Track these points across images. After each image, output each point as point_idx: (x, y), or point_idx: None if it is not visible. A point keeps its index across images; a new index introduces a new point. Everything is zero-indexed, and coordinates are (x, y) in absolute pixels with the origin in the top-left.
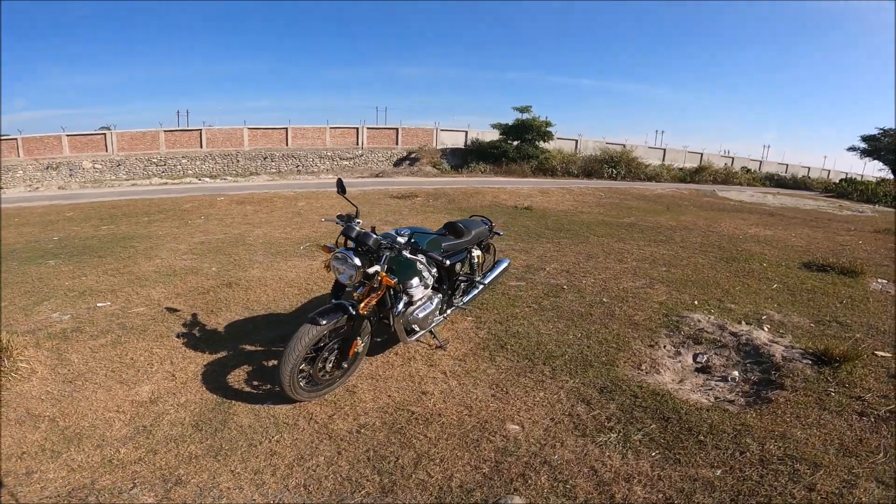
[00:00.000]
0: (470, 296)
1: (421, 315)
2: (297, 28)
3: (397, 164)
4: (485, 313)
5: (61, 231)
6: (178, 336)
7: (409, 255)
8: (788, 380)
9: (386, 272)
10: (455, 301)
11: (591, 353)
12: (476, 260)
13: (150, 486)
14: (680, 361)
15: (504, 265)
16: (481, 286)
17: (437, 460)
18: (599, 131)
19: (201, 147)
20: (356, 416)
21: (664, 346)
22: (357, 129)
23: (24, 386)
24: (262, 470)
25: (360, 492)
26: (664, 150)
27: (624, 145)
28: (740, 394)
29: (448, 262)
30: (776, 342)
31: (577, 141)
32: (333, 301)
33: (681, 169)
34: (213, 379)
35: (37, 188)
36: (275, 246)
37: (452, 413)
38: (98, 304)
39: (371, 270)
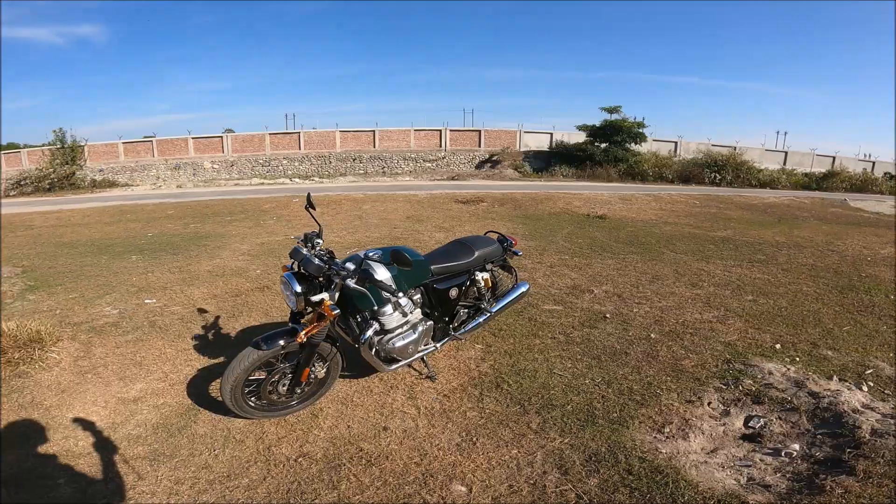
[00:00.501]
0: (471, 325)
1: (399, 344)
2: (389, 32)
3: (479, 166)
4: (498, 341)
5: (157, 228)
6: (192, 338)
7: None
8: (864, 463)
9: (351, 297)
10: (450, 330)
11: (602, 406)
12: (481, 284)
13: (76, 480)
14: (724, 425)
15: (521, 290)
16: (486, 315)
17: None
18: (705, 133)
19: (300, 149)
20: (303, 443)
21: (708, 404)
22: (440, 131)
23: (43, 375)
24: (184, 480)
25: None
26: (785, 153)
27: (735, 148)
28: (788, 475)
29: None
30: (871, 408)
31: (676, 143)
32: (290, 324)
33: (806, 174)
34: (199, 384)
35: (159, 186)
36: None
37: (402, 458)
38: (146, 301)
39: (316, 298)
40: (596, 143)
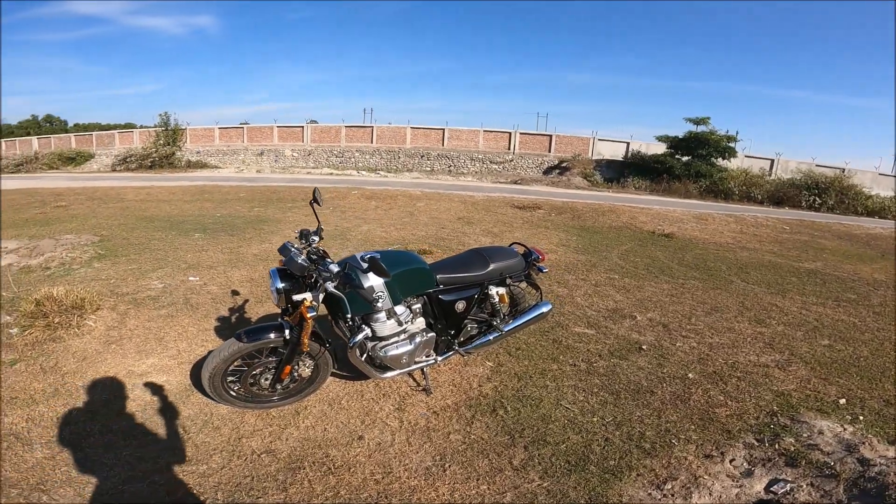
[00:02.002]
0: (479, 342)
1: (392, 353)
2: (471, 32)
3: (547, 171)
4: (512, 361)
5: (227, 209)
6: (216, 318)
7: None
8: None
9: (339, 303)
10: (454, 344)
11: (601, 450)
12: (496, 299)
13: (49, 446)
14: (741, 487)
15: (540, 311)
16: (497, 333)
17: None
18: (811, 152)
19: (371, 143)
20: (274, 440)
21: (730, 461)
22: (510, 133)
23: (74, 341)
24: (146, 459)
25: None
26: None
27: (843, 170)
28: None
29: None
30: None
31: (772, 161)
32: (279, 320)
33: None
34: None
35: (241, 170)
36: (368, 243)
37: (364, 472)
38: (190, 278)
39: (297, 297)
40: (676, 156)
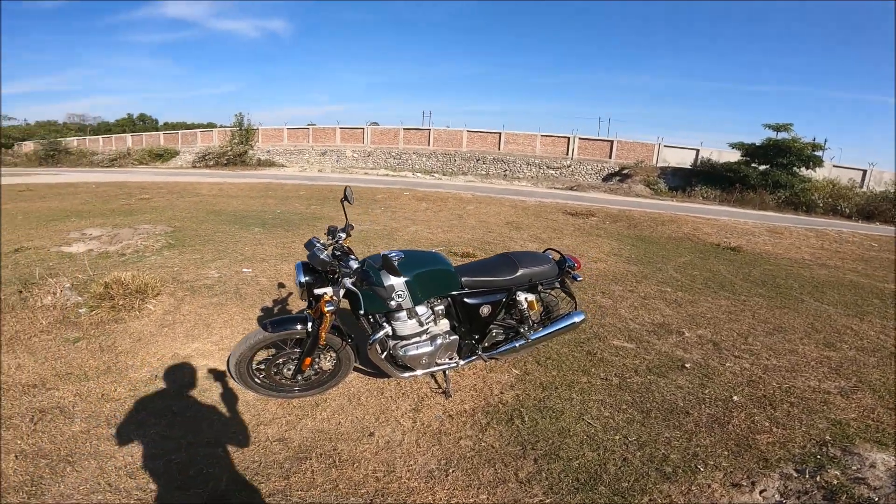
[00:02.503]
0: (504, 348)
1: (412, 353)
2: (532, 32)
3: (606, 178)
4: (539, 370)
5: (286, 206)
6: (261, 309)
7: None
8: None
9: (364, 297)
10: (478, 349)
11: (616, 470)
12: (524, 306)
13: (89, 420)
14: None
15: (572, 321)
16: (524, 340)
17: (294, 501)
18: None
19: (428, 145)
20: (289, 429)
21: (760, 492)
22: (568, 138)
23: (134, 323)
24: (171, 439)
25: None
26: None
27: None
28: None
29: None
30: None
31: (864, 172)
32: (305, 312)
33: None
34: None
35: (304, 169)
36: (414, 244)
37: (367, 468)
38: (243, 270)
39: (318, 291)
40: (753, 165)
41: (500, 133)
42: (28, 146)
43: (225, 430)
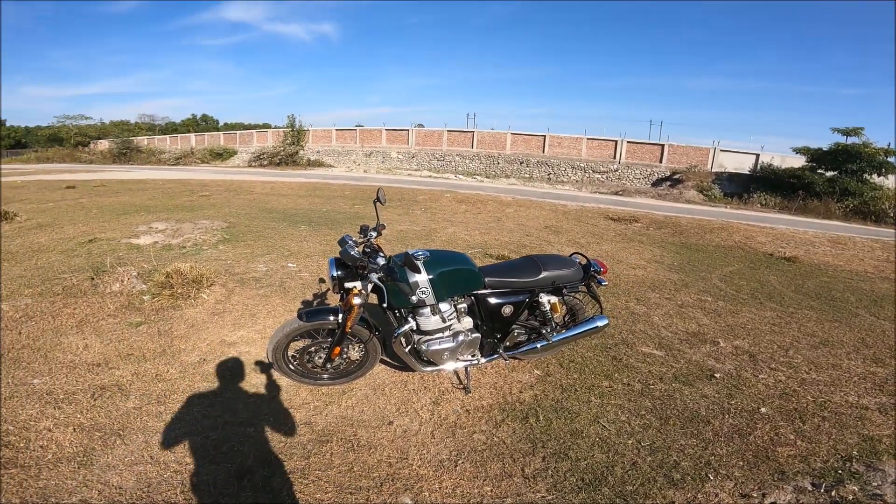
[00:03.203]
0: (525, 348)
1: (434, 348)
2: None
3: (656, 183)
4: (561, 372)
5: (332, 205)
6: (302, 302)
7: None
8: None
9: (390, 291)
10: (499, 348)
11: (622, 473)
12: (546, 307)
13: (142, 397)
14: None
15: (595, 325)
16: (545, 342)
17: (305, 482)
18: None
19: (472, 147)
20: (316, 414)
21: (770, 503)
22: (616, 141)
23: (189, 310)
24: (210, 417)
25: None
26: None
27: None
28: None
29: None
30: None
31: None
32: (338, 304)
33: None
34: None
35: (351, 169)
36: (451, 245)
37: (383, 454)
38: (288, 265)
39: (348, 285)
40: (819, 171)
41: (545, 136)
42: (103, 144)
43: (259, 412)
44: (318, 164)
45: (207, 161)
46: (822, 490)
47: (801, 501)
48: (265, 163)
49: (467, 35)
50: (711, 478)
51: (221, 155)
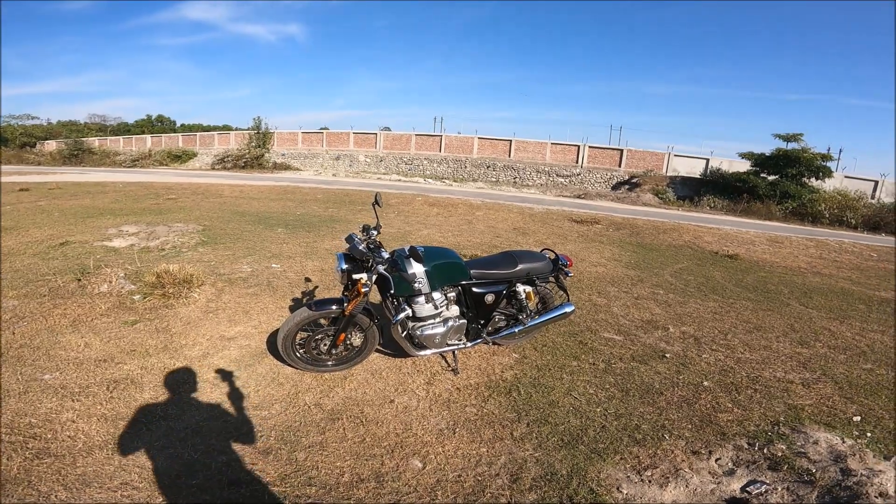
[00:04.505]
0: (505, 332)
1: (427, 333)
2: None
3: (615, 187)
4: (536, 355)
5: (305, 209)
6: (291, 299)
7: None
8: None
9: (391, 282)
10: (482, 333)
11: (594, 434)
12: (522, 296)
13: (155, 389)
14: (718, 484)
15: (563, 311)
16: (521, 326)
17: (325, 453)
18: None
19: (440, 151)
20: (323, 396)
21: (715, 459)
22: (578, 146)
23: (182, 309)
24: (223, 404)
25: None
26: None
27: None
28: None
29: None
30: None
31: (876, 183)
32: (342, 295)
33: None
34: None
35: (319, 173)
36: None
37: (389, 427)
38: (272, 265)
39: (356, 277)
40: (762, 175)
41: (511, 140)
42: (51, 145)
43: (270, 397)
44: (285, 167)
45: (166, 163)
46: (756, 448)
47: (739, 457)
48: (229, 165)
49: (436, 39)
50: (667, 437)
51: (181, 157)
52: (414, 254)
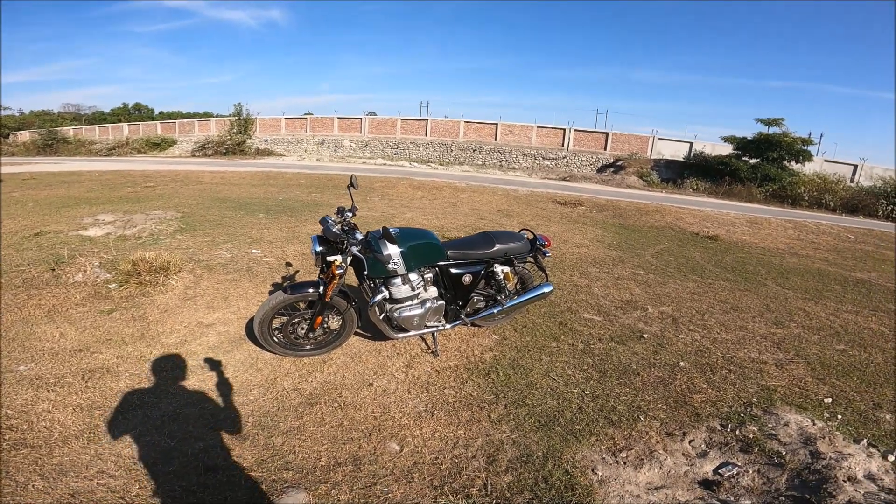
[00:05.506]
0: (484, 314)
1: (405, 314)
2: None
3: (601, 170)
4: (516, 336)
5: (287, 194)
6: (272, 284)
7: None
8: None
9: (366, 263)
10: (461, 314)
11: (571, 416)
12: (500, 277)
13: (133, 376)
14: (691, 465)
15: (541, 291)
16: (500, 307)
17: (302, 438)
18: None
19: (426, 135)
20: (301, 381)
21: (689, 441)
22: (564, 130)
23: (160, 297)
24: (202, 391)
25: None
26: None
27: None
28: None
29: (391, 268)
30: (874, 479)
31: (855, 167)
32: (318, 278)
33: None
34: None
35: (303, 158)
36: None
37: (367, 410)
38: (253, 251)
39: (330, 259)
40: (744, 158)
41: (497, 124)
42: (24, 135)
43: (248, 382)
44: (268, 153)
45: (144, 151)
46: (729, 429)
47: (712, 439)
48: (210, 152)
49: (421, 24)
50: (642, 419)
51: (159, 145)
52: (386, 234)
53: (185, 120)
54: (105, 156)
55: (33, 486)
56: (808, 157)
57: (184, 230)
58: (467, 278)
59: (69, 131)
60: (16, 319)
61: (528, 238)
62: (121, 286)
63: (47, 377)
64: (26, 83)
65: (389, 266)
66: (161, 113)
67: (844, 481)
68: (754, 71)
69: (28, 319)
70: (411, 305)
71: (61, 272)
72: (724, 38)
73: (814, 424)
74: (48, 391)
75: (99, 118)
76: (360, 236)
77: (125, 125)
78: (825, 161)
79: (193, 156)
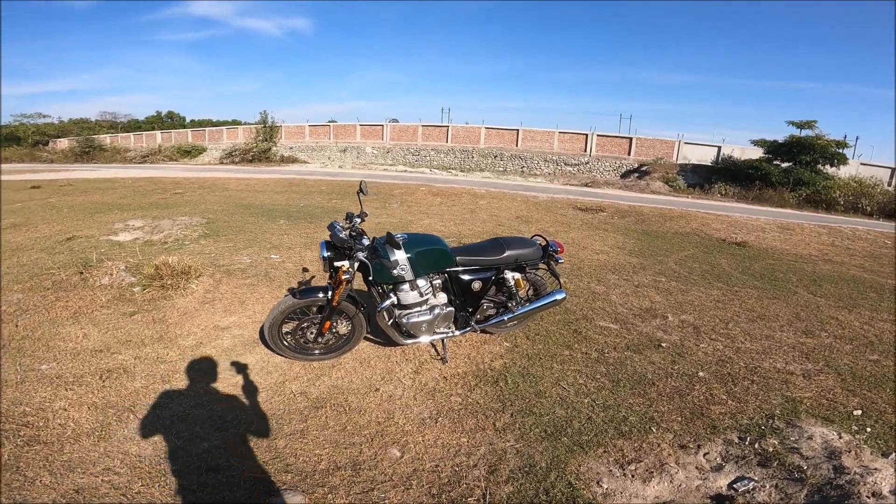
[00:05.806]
0: (494, 321)
1: (413, 321)
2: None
3: (624, 175)
4: (527, 343)
5: (309, 200)
6: (287, 289)
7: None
8: None
9: (374, 269)
10: (471, 321)
11: (579, 426)
12: (511, 283)
13: (149, 376)
14: (704, 480)
15: (553, 298)
16: (511, 314)
17: (305, 441)
18: None
19: (447, 142)
20: (309, 385)
21: (704, 454)
22: (586, 135)
23: (180, 300)
24: (211, 392)
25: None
26: None
27: None
28: None
29: (396, 273)
30: None
31: (893, 170)
32: (328, 283)
33: None
34: None
35: (325, 165)
36: None
37: (371, 415)
38: (271, 256)
39: (337, 264)
40: (775, 162)
41: (518, 130)
42: (63, 143)
43: (257, 385)
44: (292, 160)
45: (176, 159)
46: (747, 443)
47: (729, 452)
48: (237, 160)
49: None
50: (654, 430)
51: (190, 152)
52: (391, 240)
53: (215, 128)
54: (139, 163)
55: (41, 481)
56: (843, 160)
57: (207, 235)
58: (477, 284)
59: (106, 139)
60: (43, 320)
61: (540, 244)
62: (144, 289)
63: (67, 376)
64: (65, 92)
65: (395, 272)
66: (192, 121)
67: (868, 497)
68: (784, 72)
69: (55, 320)
70: (420, 311)
71: (89, 275)
72: (752, 38)
73: (840, 438)
74: (66, 390)
75: (134, 126)
76: (366, 242)
77: (158, 133)
78: (861, 164)
79: (221, 163)
